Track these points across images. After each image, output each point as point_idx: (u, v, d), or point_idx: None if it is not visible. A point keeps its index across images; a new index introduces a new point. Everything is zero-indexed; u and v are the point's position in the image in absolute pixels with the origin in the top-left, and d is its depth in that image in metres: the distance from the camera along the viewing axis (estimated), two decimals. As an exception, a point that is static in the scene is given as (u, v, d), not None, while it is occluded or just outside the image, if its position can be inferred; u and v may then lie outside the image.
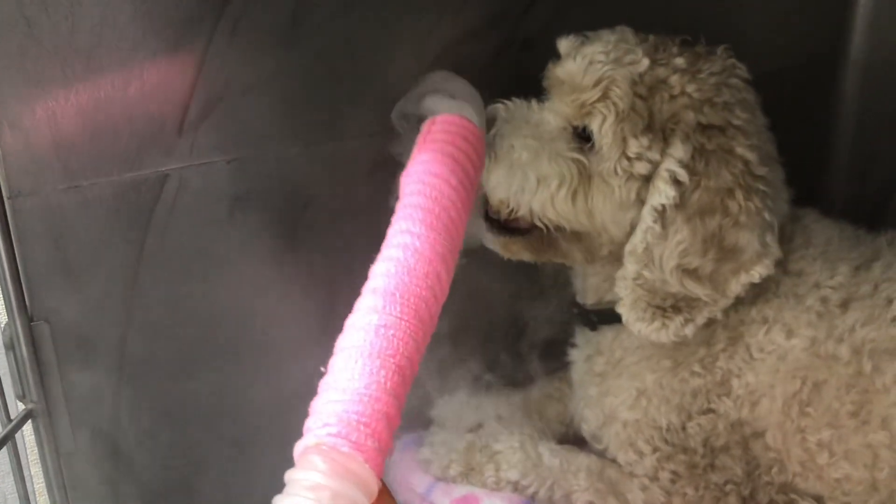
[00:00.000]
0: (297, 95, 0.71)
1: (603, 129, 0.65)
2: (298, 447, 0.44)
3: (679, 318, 0.66)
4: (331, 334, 0.74)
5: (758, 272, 0.65)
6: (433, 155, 0.58)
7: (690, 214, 0.64)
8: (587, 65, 0.66)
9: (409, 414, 0.80)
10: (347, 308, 0.75)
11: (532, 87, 0.72)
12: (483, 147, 0.63)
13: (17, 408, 0.65)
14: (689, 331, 0.66)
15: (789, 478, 0.69)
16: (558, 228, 0.68)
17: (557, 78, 0.69)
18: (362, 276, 0.75)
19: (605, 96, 0.65)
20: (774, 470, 0.69)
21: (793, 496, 0.69)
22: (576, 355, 0.80)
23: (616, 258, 0.69)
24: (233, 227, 0.71)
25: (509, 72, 0.78)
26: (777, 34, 0.91)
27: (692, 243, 0.64)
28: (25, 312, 0.62)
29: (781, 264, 0.68)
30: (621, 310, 0.68)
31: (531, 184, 0.66)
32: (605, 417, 0.75)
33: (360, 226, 0.76)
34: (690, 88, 0.65)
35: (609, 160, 0.66)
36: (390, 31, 0.73)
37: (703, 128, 0.65)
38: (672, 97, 0.66)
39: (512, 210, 0.68)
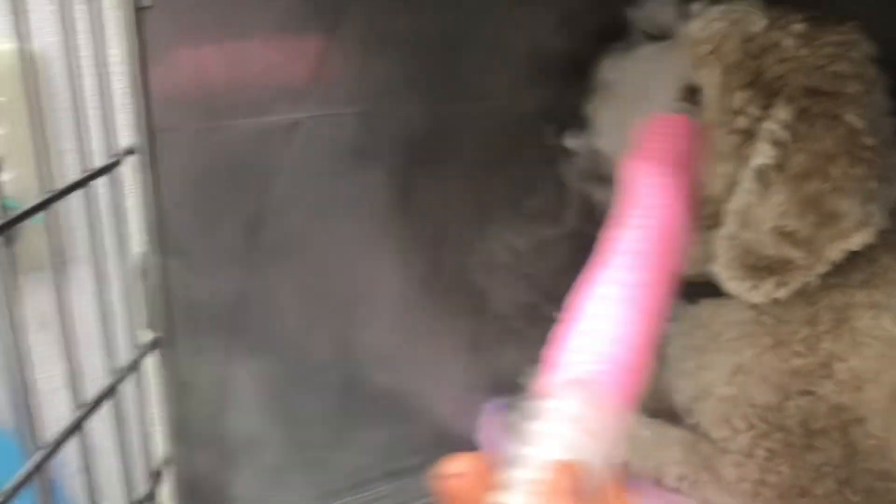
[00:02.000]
0: (426, 55, 0.72)
1: (710, 80, 0.67)
2: (558, 379, 0.46)
3: (772, 280, 0.66)
4: (435, 291, 0.78)
5: (857, 240, 0.64)
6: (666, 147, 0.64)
7: (790, 176, 0.64)
8: (706, 23, 0.68)
9: (499, 379, 0.82)
10: (452, 267, 0.79)
11: None
12: (698, 141, 0.67)
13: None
14: (781, 293, 0.66)
15: (891, 467, 0.69)
16: None
17: (680, 36, 0.71)
18: (468, 240, 0.79)
19: (715, 49, 0.67)
20: (875, 457, 0.69)
21: (893, 486, 0.69)
22: (672, 329, 0.80)
23: (715, 223, 0.69)
24: (353, 179, 0.73)
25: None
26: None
27: (790, 205, 0.64)
28: (161, 244, 0.65)
29: (894, 249, 0.67)
30: (716, 267, 0.68)
31: (634, 124, 0.68)
32: (700, 391, 0.75)
33: (469, 190, 0.78)
34: (803, 52, 0.65)
35: (713, 111, 0.67)
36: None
37: (811, 92, 0.64)
38: (783, 59, 0.66)
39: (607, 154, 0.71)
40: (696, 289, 0.75)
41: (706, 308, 0.75)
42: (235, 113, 0.66)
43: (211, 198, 0.68)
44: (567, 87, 0.75)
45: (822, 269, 0.65)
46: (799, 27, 0.66)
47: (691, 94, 0.69)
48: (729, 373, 0.72)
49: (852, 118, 0.64)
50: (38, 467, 0.52)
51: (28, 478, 0.51)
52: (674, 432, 0.75)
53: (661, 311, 0.53)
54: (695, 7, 0.71)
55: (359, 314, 0.76)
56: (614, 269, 0.53)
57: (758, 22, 0.67)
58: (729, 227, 0.67)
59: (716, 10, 0.69)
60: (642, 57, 0.74)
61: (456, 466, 0.43)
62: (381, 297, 0.77)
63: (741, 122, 0.66)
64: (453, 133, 0.76)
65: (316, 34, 0.68)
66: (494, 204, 0.79)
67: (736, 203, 0.66)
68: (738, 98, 0.66)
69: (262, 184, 0.70)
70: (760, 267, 0.66)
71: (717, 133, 0.67)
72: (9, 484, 0.50)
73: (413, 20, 0.71)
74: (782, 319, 0.69)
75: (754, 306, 0.71)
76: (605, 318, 0.50)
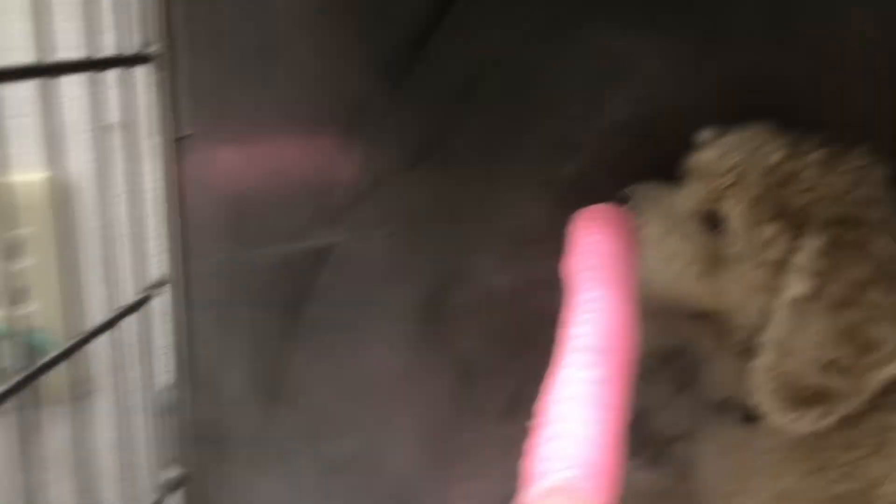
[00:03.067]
0: (454, 174, 0.72)
1: (735, 212, 0.66)
2: (536, 490, 0.46)
3: (818, 409, 0.63)
4: (462, 416, 0.75)
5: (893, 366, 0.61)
6: (600, 237, 0.64)
7: (826, 307, 0.62)
8: (722, 153, 0.68)
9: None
10: (483, 394, 0.76)
11: None
12: (633, 231, 0.67)
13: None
14: (826, 422, 0.63)
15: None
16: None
17: (694, 166, 0.70)
18: (501, 368, 0.76)
19: (738, 182, 0.66)
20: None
21: None
22: (704, 450, 0.76)
23: (748, 349, 0.67)
24: (382, 301, 0.71)
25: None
26: None
27: (829, 336, 0.62)
28: (192, 377, 0.63)
29: None
30: (758, 399, 0.65)
31: (662, 259, 0.67)
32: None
33: (507, 312, 0.76)
34: (826, 181, 0.65)
35: (740, 243, 0.66)
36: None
37: (839, 221, 0.64)
38: (807, 189, 0.65)
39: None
40: (728, 410, 0.72)
41: (740, 431, 0.72)
42: (270, 238, 0.65)
43: (240, 326, 0.66)
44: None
45: (864, 396, 0.63)
46: (817, 155, 0.66)
47: (713, 221, 0.68)
48: (769, 499, 0.68)
49: (882, 244, 0.63)
50: None
51: None
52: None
53: (624, 403, 0.53)
54: (704, 135, 0.70)
55: (385, 438, 0.73)
56: (572, 368, 0.54)
57: (776, 151, 0.66)
58: (767, 357, 0.64)
59: (730, 140, 0.68)
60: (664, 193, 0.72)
61: None
62: (408, 421, 0.74)
63: (772, 254, 0.65)
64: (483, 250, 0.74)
65: (351, 160, 0.68)
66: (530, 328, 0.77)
67: (773, 333, 0.64)
68: (767, 231, 0.65)
69: (292, 309, 0.68)
70: (804, 398, 0.64)
71: (746, 265, 0.66)
72: None
73: (442, 143, 0.71)
74: (821, 444, 0.66)
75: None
76: (573, 420, 0.50)
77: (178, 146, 0.58)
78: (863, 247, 0.63)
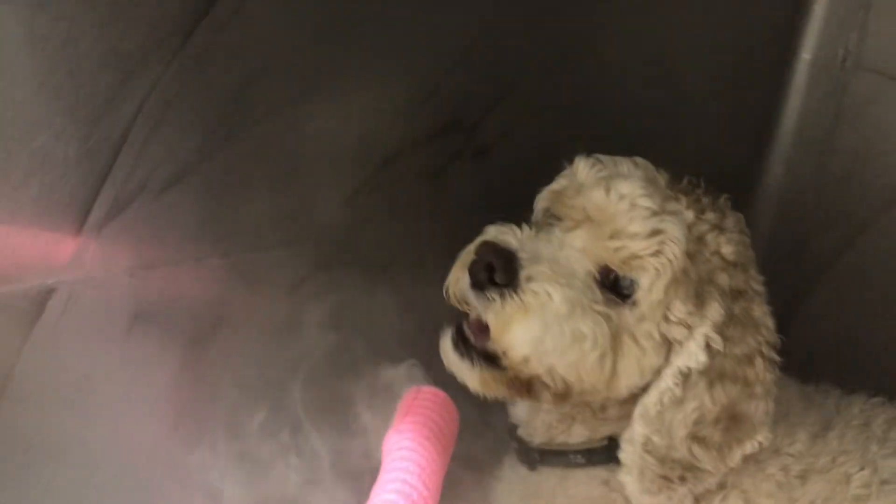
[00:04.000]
0: (225, 196, 0.59)
1: (654, 287, 0.58)
2: None
3: (683, 489, 0.61)
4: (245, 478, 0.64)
5: (757, 441, 0.61)
6: (422, 419, 0.63)
7: (712, 380, 0.60)
8: (629, 207, 0.59)
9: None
10: (258, 446, 0.66)
11: (488, 196, 0.66)
12: (456, 420, 0.66)
13: None
14: (688, 502, 0.62)
15: None
16: (565, 383, 0.60)
17: (582, 210, 0.60)
18: (280, 411, 0.66)
19: (660, 252, 0.58)
20: None
21: None
22: (502, 492, 0.72)
23: (587, 405, 0.64)
24: (128, 350, 0.58)
25: (463, 180, 0.70)
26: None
27: (709, 410, 0.60)
28: None
29: None
30: (626, 478, 0.62)
31: (565, 342, 0.57)
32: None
33: (276, 350, 0.65)
34: (725, 250, 0.61)
35: (649, 321, 0.59)
36: (338, 135, 0.63)
37: (732, 293, 0.61)
38: (709, 257, 0.61)
39: (525, 365, 0.59)
40: (539, 455, 0.68)
41: (548, 478, 0.68)
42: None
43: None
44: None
45: (723, 472, 0.61)
46: (711, 216, 0.61)
47: (614, 286, 0.59)
48: None
49: (762, 316, 0.61)
50: None
51: None
52: None
53: None
54: (580, 169, 0.61)
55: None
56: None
57: (685, 212, 0.60)
58: (639, 431, 0.60)
59: (627, 189, 0.59)
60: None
61: None
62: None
63: (678, 332, 0.59)
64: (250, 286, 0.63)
65: (86, 179, 0.53)
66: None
67: (648, 406, 0.60)
68: (680, 309, 0.59)
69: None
70: (673, 477, 0.61)
71: (647, 343, 0.60)
72: None
73: (205, 157, 0.58)
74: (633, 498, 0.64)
75: (605, 482, 0.65)
76: None
77: None
78: (749, 319, 0.61)
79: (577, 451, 0.66)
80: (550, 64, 0.72)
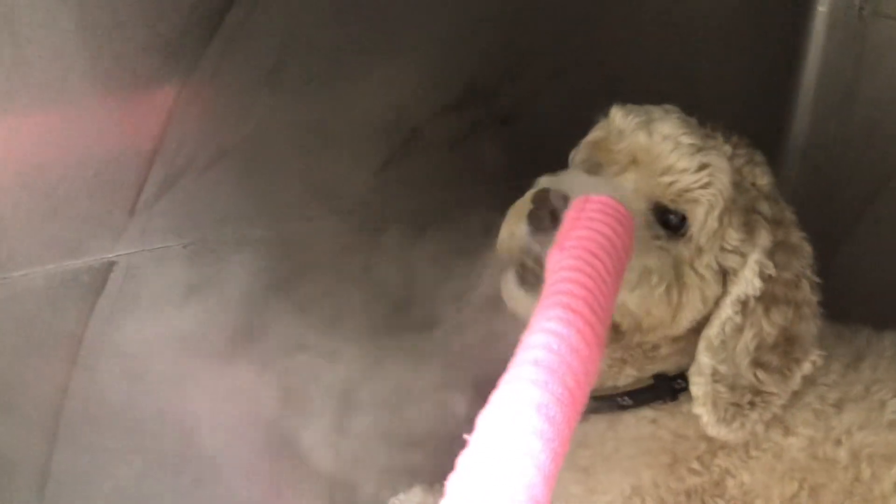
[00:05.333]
0: (264, 171, 0.62)
1: (710, 217, 0.61)
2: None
3: (755, 415, 0.63)
4: (283, 444, 0.67)
5: (811, 362, 0.63)
6: (590, 233, 0.52)
7: (767, 305, 0.62)
8: (674, 145, 0.61)
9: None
10: (302, 417, 0.69)
11: (514, 163, 0.68)
12: (632, 235, 0.55)
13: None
14: (760, 428, 0.63)
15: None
16: (633, 319, 0.62)
17: (627, 154, 0.63)
18: (322, 381, 0.69)
19: (710, 184, 0.61)
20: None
21: None
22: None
23: (639, 346, 0.65)
24: (184, 321, 0.61)
25: (488, 146, 0.73)
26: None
27: (768, 334, 0.62)
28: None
29: None
30: (699, 410, 0.63)
31: (634, 278, 0.59)
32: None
33: (325, 320, 0.68)
34: (761, 181, 0.64)
35: (707, 252, 0.61)
36: (363, 106, 0.66)
37: (774, 221, 0.64)
38: (750, 188, 0.64)
39: None
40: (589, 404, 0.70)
41: (597, 424, 0.70)
42: (30, 259, 0.53)
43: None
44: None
45: (788, 396, 0.63)
46: (742, 150, 0.64)
47: (669, 222, 0.62)
48: (625, 496, 0.67)
49: (801, 242, 0.64)
50: None
51: None
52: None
53: (572, 428, 0.45)
54: (617, 115, 0.63)
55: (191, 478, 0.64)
56: (520, 382, 0.44)
57: (724, 147, 0.63)
58: (706, 363, 0.62)
59: (668, 129, 0.61)
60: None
61: None
62: (221, 454, 0.66)
63: (732, 260, 0.62)
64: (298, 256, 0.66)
65: (137, 155, 0.56)
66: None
67: (711, 337, 0.62)
68: (733, 237, 0.61)
69: (70, 335, 0.57)
70: (744, 403, 0.63)
71: (707, 274, 0.62)
72: None
73: (248, 133, 0.61)
74: (680, 434, 0.66)
75: (653, 421, 0.67)
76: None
77: None
78: (792, 245, 0.64)
79: (624, 394, 0.68)
80: (566, 27, 0.74)
